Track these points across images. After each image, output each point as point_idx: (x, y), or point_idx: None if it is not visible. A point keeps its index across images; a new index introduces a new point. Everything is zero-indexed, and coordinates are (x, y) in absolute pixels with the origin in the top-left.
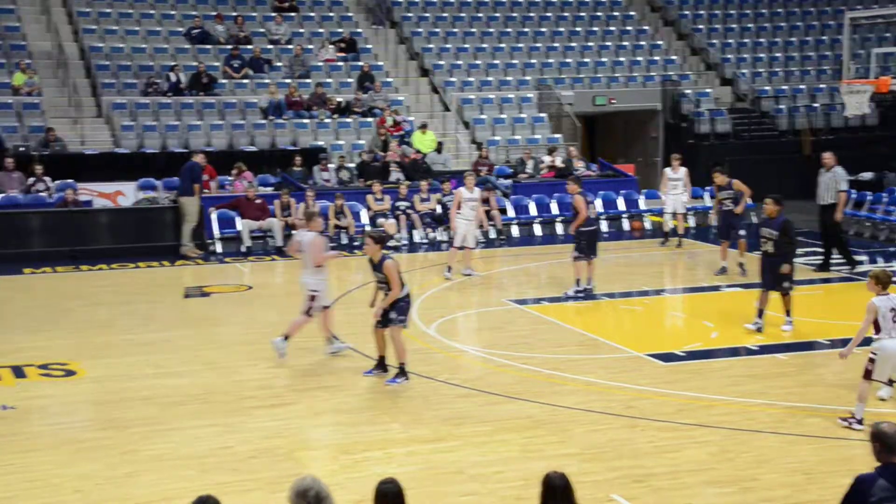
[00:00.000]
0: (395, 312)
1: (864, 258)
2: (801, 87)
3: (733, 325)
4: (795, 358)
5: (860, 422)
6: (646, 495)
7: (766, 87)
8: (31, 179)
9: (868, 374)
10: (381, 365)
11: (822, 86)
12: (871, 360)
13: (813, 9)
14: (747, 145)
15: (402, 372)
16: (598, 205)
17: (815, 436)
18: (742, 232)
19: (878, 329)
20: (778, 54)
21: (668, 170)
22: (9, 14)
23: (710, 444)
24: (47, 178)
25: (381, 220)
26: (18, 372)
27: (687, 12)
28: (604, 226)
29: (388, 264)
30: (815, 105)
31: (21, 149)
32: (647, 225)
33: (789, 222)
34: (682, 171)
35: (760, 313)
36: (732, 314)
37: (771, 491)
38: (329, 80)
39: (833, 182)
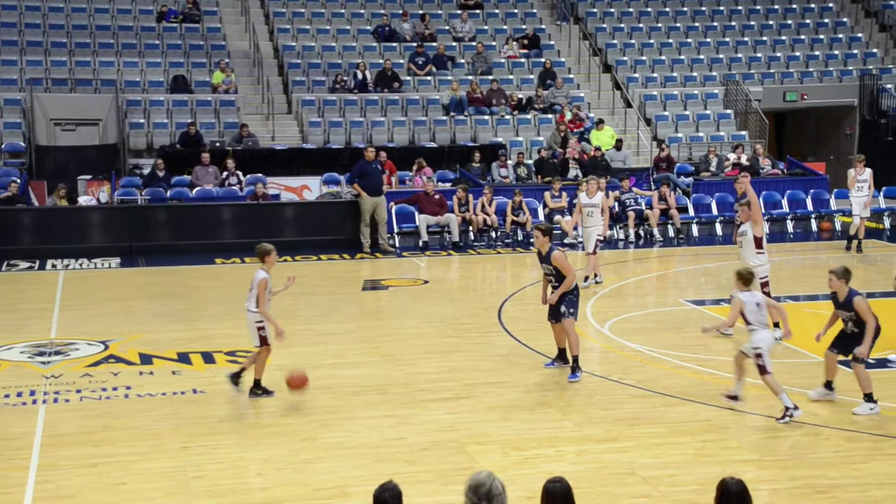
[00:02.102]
0: (564, 306)
1: None
2: None
3: None
4: None
5: (795, 408)
6: None
7: None
8: (225, 174)
9: (764, 370)
10: (562, 357)
11: None
12: (759, 356)
13: None
14: None
15: (576, 366)
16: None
17: None
18: None
19: (747, 323)
20: None
21: (851, 171)
22: (212, 16)
23: None
24: (239, 173)
25: (557, 218)
26: (208, 358)
27: (892, 2)
28: (789, 226)
29: (556, 254)
30: None
31: (216, 144)
32: (837, 226)
33: None
34: (868, 172)
35: None
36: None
37: None
38: (511, 77)
39: None
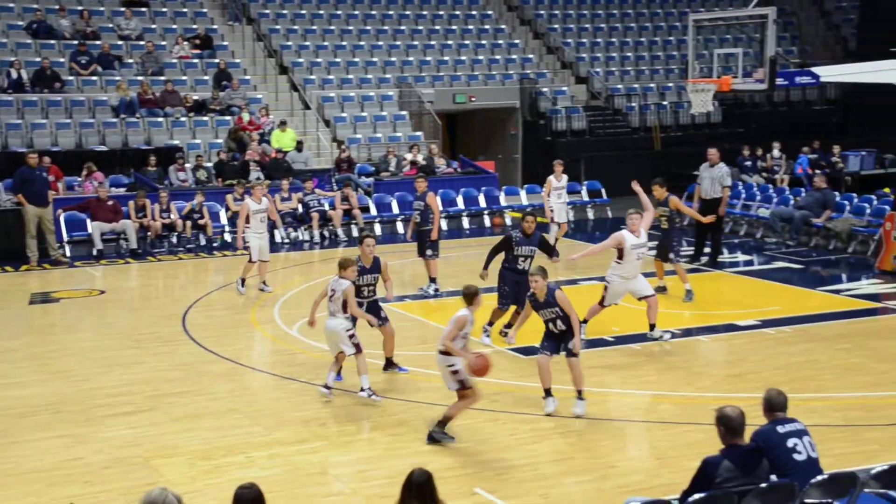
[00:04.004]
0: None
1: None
2: (651, 85)
3: (593, 318)
4: (649, 347)
5: (374, 393)
6: (507, 487)
7: (619, 86)
8: None
9: (358, 349)
10: (390, 364)
11: (670, 84)
12: (352, 336)
13: (660, 10)
14: (601, 142)
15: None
16: (459, 201)
17: (666, 422)
18: (672, 256)
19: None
20: (629, 54)
21: (552, 178)
22: None
23: (569, 434)
24: None
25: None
26: None
27: (542, 12)
28: (465, 222)
29: (384, 262)
30: (665, 103)
31: None
32: (508, 221)
33: (543, 237)
34: (566, 179)
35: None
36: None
37: (627, 477)
38: (184, 78)
39: (719, 177)
